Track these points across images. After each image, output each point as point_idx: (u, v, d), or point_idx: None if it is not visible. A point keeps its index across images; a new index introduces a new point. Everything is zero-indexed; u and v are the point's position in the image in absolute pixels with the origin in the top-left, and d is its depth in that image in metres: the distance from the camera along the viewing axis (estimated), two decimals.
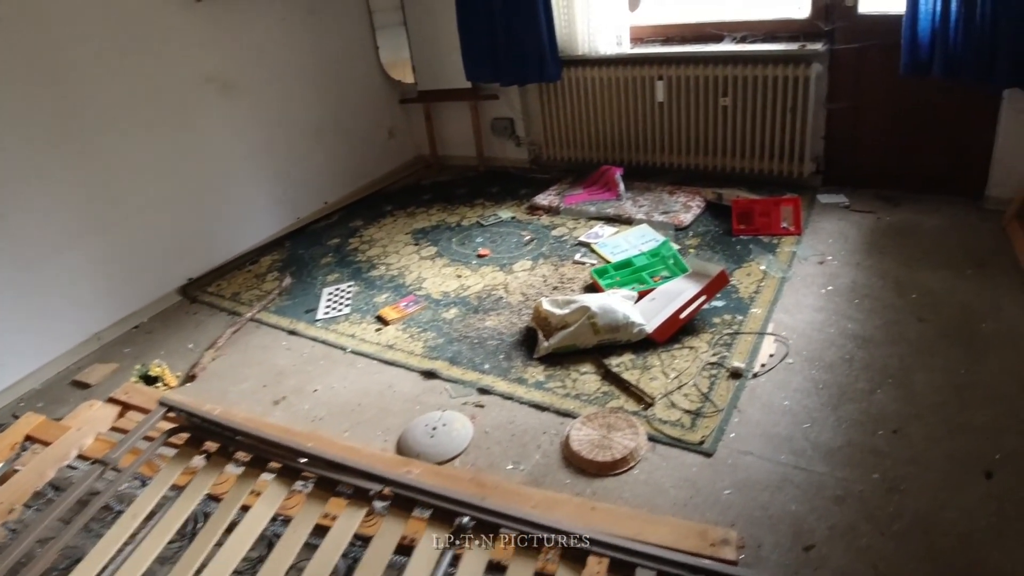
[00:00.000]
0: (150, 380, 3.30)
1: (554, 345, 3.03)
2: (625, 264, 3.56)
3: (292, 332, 3.60)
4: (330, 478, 2.20)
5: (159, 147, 3.92)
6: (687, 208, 4.05)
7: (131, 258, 3.86)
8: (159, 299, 4.04)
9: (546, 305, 3.16)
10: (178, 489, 2.31)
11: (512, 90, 4.90)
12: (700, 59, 4.19)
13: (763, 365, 2.81)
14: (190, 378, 3.35)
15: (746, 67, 4.04)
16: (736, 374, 2.77)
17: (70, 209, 3.54)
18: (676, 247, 3.66)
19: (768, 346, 2.91)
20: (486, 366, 3.08)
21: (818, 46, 3.84)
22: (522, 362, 3.06)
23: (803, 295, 3.24)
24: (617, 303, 3.06)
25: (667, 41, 4.42)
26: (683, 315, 3.01)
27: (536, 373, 2.98)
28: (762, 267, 3.47)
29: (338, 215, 4.90)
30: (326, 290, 3.93)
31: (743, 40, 4.11)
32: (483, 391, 2.94)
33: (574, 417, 2.69)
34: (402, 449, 2.71)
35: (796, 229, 3.74)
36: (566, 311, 3.08)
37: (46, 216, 3.44)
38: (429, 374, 3.10)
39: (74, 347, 3.65)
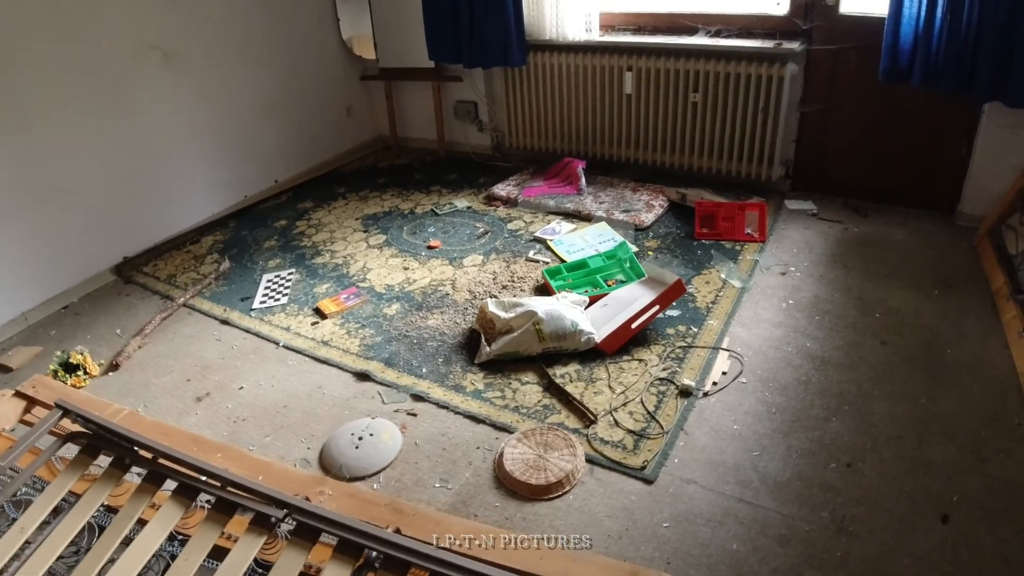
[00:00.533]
0: (71, 368, 3.04)
1: (496, 351, 2.81)
2: (579, 265, 3.35)
3: (225, 322, 3.35)
4: (229, 500, 1.98)
5: (94, 118, 3.61)
6: (649, 207, 3.84)
7: (62, 235, 3.58)
8: (92, 278, 3.76)
9: (491, 307, 2.94)
10: (76, 496, 2.08)
11: (477, 73, 4.64)
12: (672, 51, 3.95)
13: (715, 383, 2.62)
14: (114, 367, 3.10)
15: (719, 63, 3.83)
16: (686, 392, 2.58)
17: None
18: (634, 249, 3.46)
19: (722, 362, 2.73)
20: (423, 370, 2.86)
21: (795, 45, 3.63)
22: (462, 368, 2.85)
23: (762, 308, 3.06)
24: (566, 309, 2.85)
25: (639, 30, 4.18)
26: (635, 325, 2.81)
27: (475, 380, 2.76)
28: (722, 275, 3.27)
29: (288, 195, 4.62)
30: (266, 276, 3.67)
31: (718, 34, 3.88)
32: (417, 398, 2.72)
33: (511, 432, 2.49)
34: (325, 460, 2.49)
35: (760, 236, 3.55)
36: (511, 315, 2.86)
37: None
38: (362, 376, 2.87)
39: None
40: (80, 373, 3.04)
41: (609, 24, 4.27)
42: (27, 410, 2.56)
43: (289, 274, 3.67)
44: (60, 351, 3.12)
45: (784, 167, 3.99)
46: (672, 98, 4.06)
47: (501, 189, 4.24)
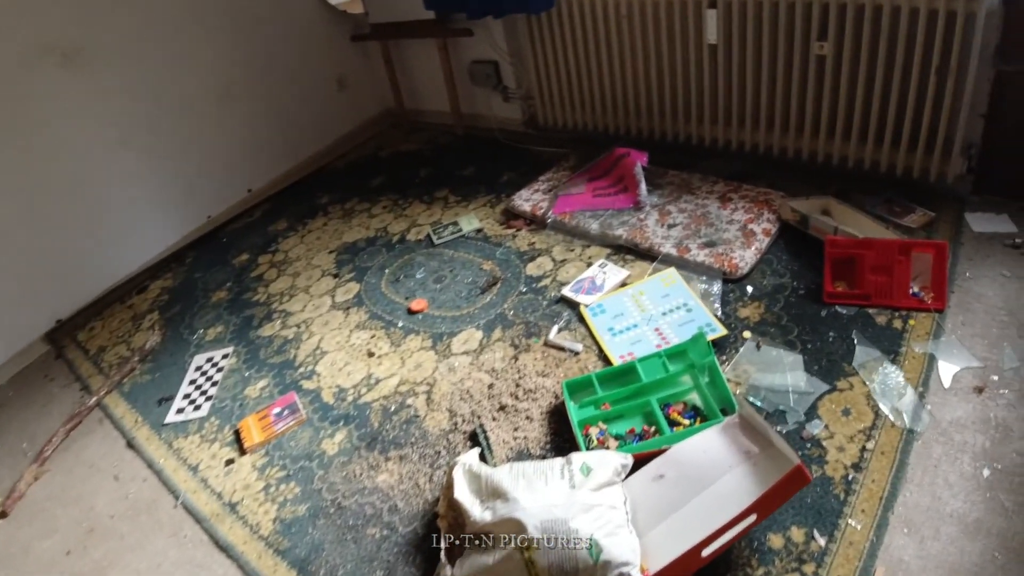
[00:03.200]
0: None
1: None
2: (625, 372, 1.93)
3: (130, 444, 2.27)
4: None
5: None
6: (748, 237, 2.29)
7: None
8: (22, 352, 2.80)
9: (460, 482, 1.63)
10: None
11: (494, 23, 3.08)
12: None
13: None
14: (1, 515, 2.16)
15: None
16: None
17: None
18: (718, 331, 1.98)
19: None
20: None
21: None
22: None
23: (944, 482, 1.55)
24: (580, 515, 1.48)
25: None
26: (707, 552, 1.42)
27: None
28: (875, 393, 1.77)
29: (262, 209, 3.37)
30: (196, 360, 2.51)
31: None
32: None
33: None
34: None
35: (937, 300, 1.96)
36: (488, 514, 1.54)
37: None
38: None
39: None
40: None
41: None
42: None
43: (224, 356, 2.48)
44: None
45: (965, 158, 2.29)
46: (784, 49, 2.39)
47: (525, 200, 2.77)
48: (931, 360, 1.83)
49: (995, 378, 1.76)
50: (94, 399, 2.48)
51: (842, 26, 2.23)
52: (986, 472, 1.56)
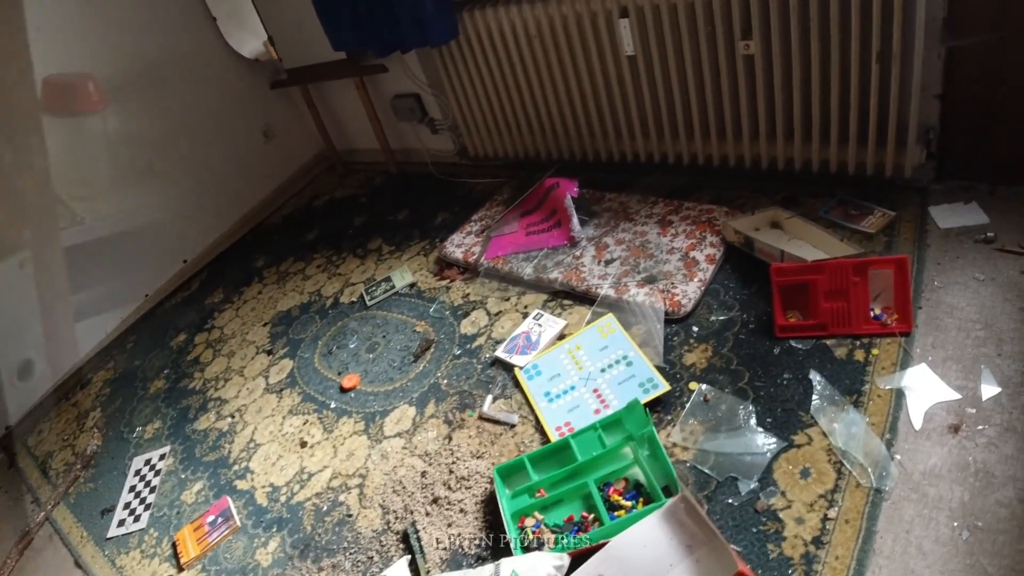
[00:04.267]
0: None
1: None
2: (559, 449, 1.72)
3: (78, 563, 2.12)
4: None
5: None
6: (690, 267, 2.06)
7: None
8: None
9: None
10: None
11: (407, 56, 2.84)
12: None
13: None
14: None
15: None
16: None
17: None
18: (660, 388, 1.77)
19: None
20: None
21: None
22: None
23: (920, 550, 1.34)
24: None
25: None
26: None
27: None
28: (837, 444, 1.55)
29: (200, 279, 3.18)
30: (135, 463, 2.35)
31: None
32: None
33: None
34: None
35: (902, 322, 1.73)
36: None
37: None
38: None
39: None
40: None
41: None
42: None
43: (161, 457, 2.32)
44: None
45: (924, 145, 2.04)
46: (708, 53, 2.15)
47: (457, 245, 2.55)
48: (899, 398, 1.60)
49: (972, 411, 1.54)
50: (42, 514, 2.35)
51: (767, 21, 1.99)
52: (965, 535, 1.34)
